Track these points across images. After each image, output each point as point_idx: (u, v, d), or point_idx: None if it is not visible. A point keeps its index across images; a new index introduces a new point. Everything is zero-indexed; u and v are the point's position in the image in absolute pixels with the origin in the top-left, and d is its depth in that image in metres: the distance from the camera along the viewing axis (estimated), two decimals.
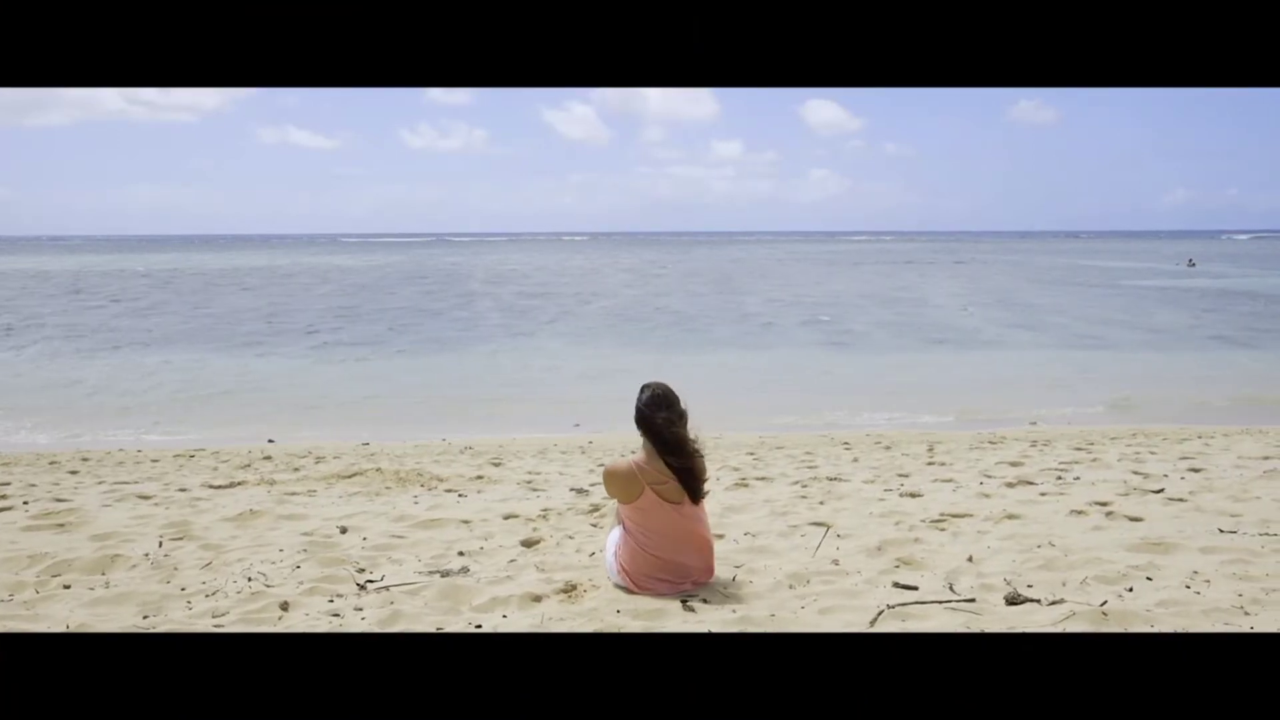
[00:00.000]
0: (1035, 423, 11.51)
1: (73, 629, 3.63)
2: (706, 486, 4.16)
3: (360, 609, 3.91)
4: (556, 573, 4.44)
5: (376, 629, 3.68)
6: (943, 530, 5.28)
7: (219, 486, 7.48)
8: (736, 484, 7.22)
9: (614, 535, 4.26)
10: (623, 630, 3.63)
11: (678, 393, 4.20)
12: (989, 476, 7.31)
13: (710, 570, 4.19)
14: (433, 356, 19.29)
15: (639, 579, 4.06)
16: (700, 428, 4.19)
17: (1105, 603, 3.73)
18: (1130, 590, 3.99)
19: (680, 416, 4.12)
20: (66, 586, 4.23)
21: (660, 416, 4.05)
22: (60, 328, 23.98)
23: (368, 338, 22.20)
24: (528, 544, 5.08)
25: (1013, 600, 3.82)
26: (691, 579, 4.09)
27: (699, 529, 4.13)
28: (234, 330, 23.69)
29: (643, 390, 4.17)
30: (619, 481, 4.08)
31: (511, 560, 4.72)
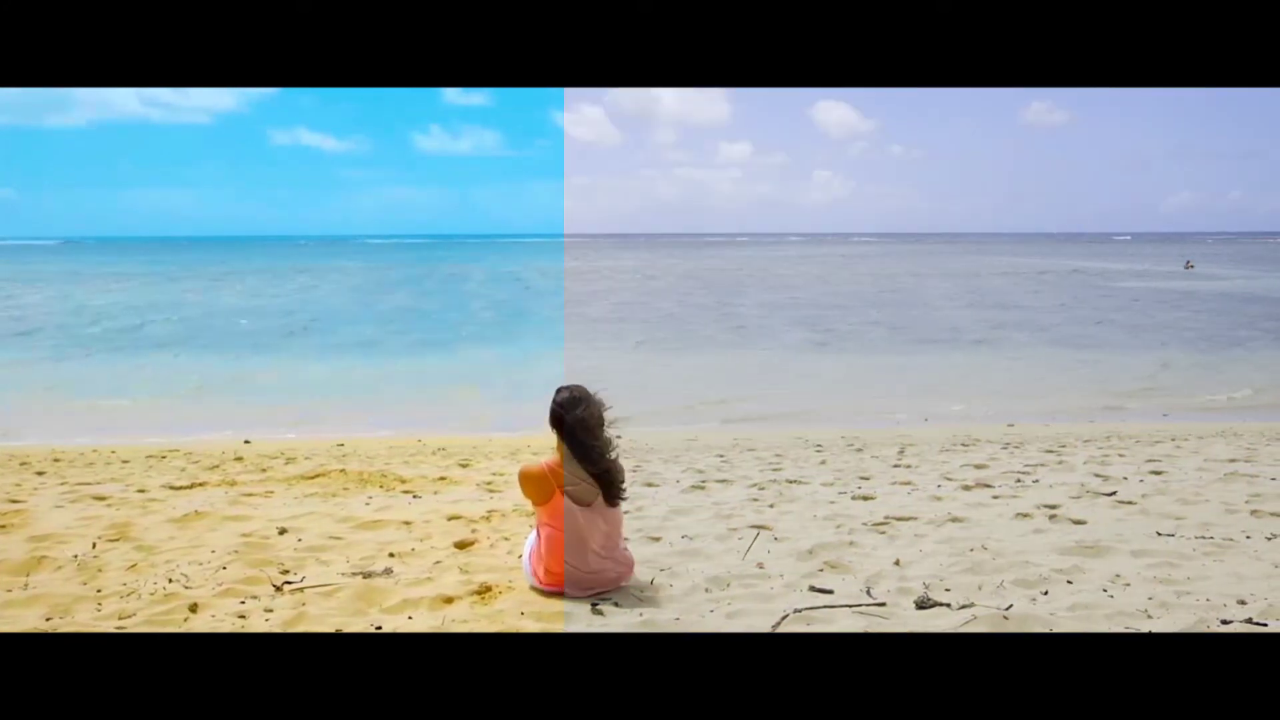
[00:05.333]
0: (1013, 424, 11.44)
1: None
2: (627, 488, 4.12)
3: (270, 610, 3.90)
4: (478, 574, 4.42)
5: (278, 630, 3.66)
6: (882, 533, 5.24)
7: (180, 488, 7.47)
8: (694, 486, 7.17)
9: (531, 537, 4.24)
10: (519, 631, 3.61)
11: (602, 395, 4.16)
12: (949, 479, 7.25)
13: (623, 572, 4.16)
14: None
15: (551, 582, 4.03)
16: (618, 429, 4.16)
17: (1010, 606, 3.69)
18: (1045, 594, 3.95)
19: (597, 420, 4.07)
20: None
21: (574, 418, 4.01)
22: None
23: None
24: (460, 545, 5.06)
25: (922, 604, 3.78)
26: (603, 582, 4.06)
27: (611, 532, 4.10)
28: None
29: (559, 391, 4.14)
30: (531, 483, 4.06)
31: (437, 562, 4.70)
